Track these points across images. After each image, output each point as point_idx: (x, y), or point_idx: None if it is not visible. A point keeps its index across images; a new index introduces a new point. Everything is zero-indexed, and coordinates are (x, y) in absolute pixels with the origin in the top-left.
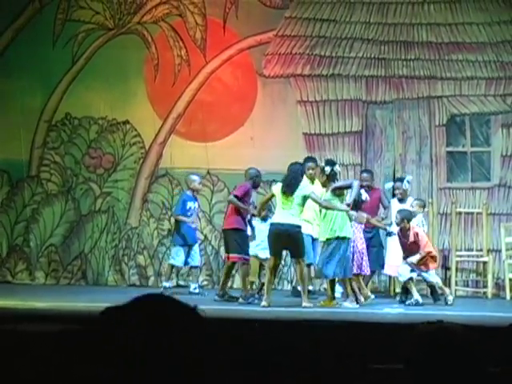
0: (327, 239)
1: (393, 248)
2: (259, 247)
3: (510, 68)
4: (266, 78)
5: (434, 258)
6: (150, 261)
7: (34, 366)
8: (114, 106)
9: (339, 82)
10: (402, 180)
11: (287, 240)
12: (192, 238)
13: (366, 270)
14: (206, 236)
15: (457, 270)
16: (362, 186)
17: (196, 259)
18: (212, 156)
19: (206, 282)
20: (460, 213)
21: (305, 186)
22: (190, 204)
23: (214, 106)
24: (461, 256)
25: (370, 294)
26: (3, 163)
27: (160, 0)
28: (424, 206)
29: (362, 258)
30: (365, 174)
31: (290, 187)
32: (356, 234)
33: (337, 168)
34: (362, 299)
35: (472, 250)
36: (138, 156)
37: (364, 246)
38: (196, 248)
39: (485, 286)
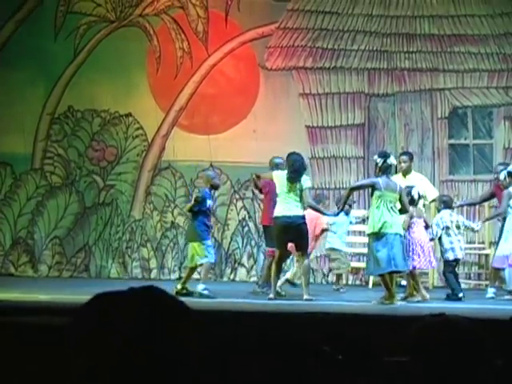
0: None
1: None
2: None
3: None
4: (269, 70)
5: None
6: (153, 253)
7: (36, 359)
8: (117, 99)
9: (341, 75)
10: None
11: (295, 233)
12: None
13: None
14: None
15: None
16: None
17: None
18: (215, 149)
19: (208, 275)
20: (462, 205)
21: (306, 179)
22: (208, 202)
23: (217, 99)
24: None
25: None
26: (6, 156)
27: None
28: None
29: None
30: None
31: (296, 174)
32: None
33: (391, 160)
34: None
35: (474, 243)
36: (140, 149)
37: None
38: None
39: (487, 279)
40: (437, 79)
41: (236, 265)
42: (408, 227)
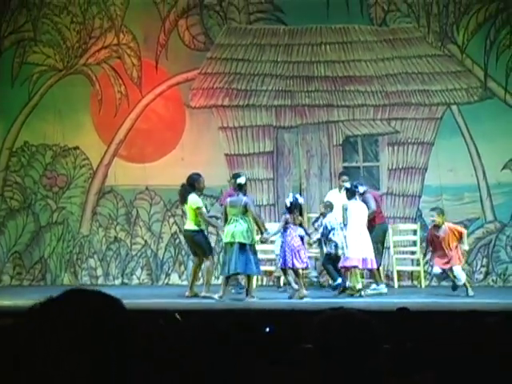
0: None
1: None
2: None
3: (392, 96)
4: (193, 108)
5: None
6: (99, 263)
7: None
8: (66, 135)
9: (253, 111)
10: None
11: (189, 243)
12: None
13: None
14: (146, 241)
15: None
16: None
17: None
18: (150, 174)
19: (146, 280)
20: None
21: (192, 201)
22: None
23: (150, 133)
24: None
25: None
26: None
27: (102, 45)
28: (330, 207)
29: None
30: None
31: (180, 198)
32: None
33: (240, 180)
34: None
35: None
36: (87, 176)
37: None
38: None
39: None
40: (332, 113)
41: (169, 271)
42: (284, 231)
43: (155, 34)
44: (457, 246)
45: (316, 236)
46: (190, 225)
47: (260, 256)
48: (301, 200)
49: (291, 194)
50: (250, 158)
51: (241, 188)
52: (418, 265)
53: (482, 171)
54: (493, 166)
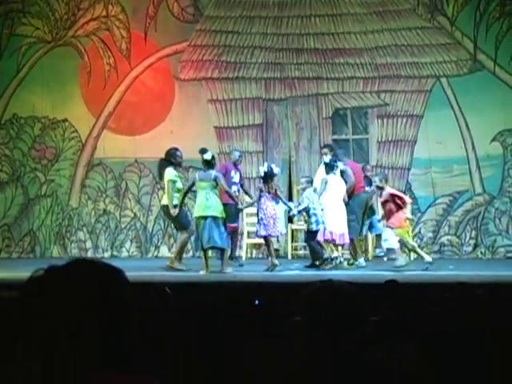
0: None
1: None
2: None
3: (382, 69)
4: (182, 81)
5: None
6: (88, 236)
7: None
8: (55, 107)
9: (243, 84)
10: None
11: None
12: None
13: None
14: (135, 214)
15: None
16: None
17: None
18: (139, 147)
19: (135, 253)
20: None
21: (167, 173)
22: None
23: (139, 106)
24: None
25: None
26: None
27: (90, 17)
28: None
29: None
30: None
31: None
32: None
33: (206, 156)
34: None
35: None
36: (76, 148)
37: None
38: None
39: (365, 250)
40: (321, 86)
41: (159, 243)
42: (258, 200)
43: (144, 5)
44: (397, 211)
45: (296, 209)
46: (166, 199)
47: (250, 229)
48: (276, 170)
49: (266, 164)
50: (239, 130)
51: (208, 163)
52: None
53: (471, 144)
54: (482, 138)
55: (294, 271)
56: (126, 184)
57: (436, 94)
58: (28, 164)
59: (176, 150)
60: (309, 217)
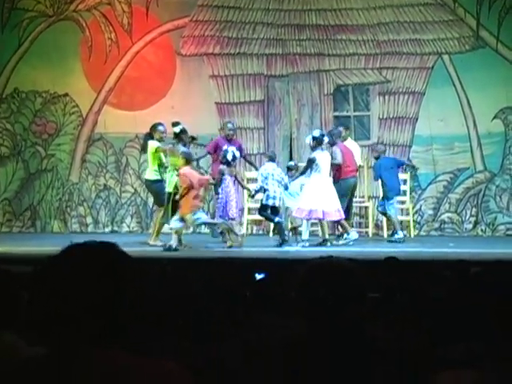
0: None
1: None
2: None
3: (384, 46)
4: (183, 56)
5: None
6: (89, 211)
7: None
8: (56, 82)
9: (244, 60)
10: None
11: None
12: None
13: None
14: (135, 189)
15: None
16: None
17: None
18: (139, 122)
19: (136, 228)
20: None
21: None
22: None
23: (140, 81)
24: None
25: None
26: None
27: None
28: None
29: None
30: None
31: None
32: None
33: (177, 128)
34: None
35: (356, 197)
36: (76, 123)
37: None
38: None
39: (366, 227)
40: (323, 62)
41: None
42: (220, 182)
43: None
44: None
45: (256, 185)
46: (149, 174)
47: (251, 205)
48: (237, 154)
49: (231, 150)
50: (240, 106)
51: (177, 137)
52: (408, 214)
53: (473, 121)
54: (483, 115)
55: (295, 247)
56: (127, 159)
57: (438, 71)
58: (29, 138)
59: (160, 124)
60: (264, 191)
